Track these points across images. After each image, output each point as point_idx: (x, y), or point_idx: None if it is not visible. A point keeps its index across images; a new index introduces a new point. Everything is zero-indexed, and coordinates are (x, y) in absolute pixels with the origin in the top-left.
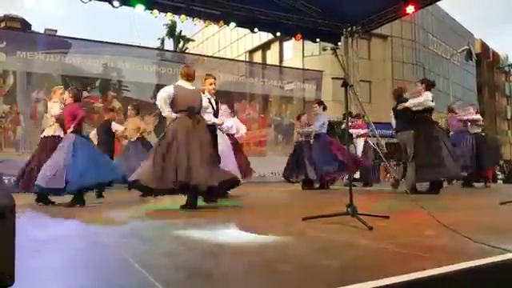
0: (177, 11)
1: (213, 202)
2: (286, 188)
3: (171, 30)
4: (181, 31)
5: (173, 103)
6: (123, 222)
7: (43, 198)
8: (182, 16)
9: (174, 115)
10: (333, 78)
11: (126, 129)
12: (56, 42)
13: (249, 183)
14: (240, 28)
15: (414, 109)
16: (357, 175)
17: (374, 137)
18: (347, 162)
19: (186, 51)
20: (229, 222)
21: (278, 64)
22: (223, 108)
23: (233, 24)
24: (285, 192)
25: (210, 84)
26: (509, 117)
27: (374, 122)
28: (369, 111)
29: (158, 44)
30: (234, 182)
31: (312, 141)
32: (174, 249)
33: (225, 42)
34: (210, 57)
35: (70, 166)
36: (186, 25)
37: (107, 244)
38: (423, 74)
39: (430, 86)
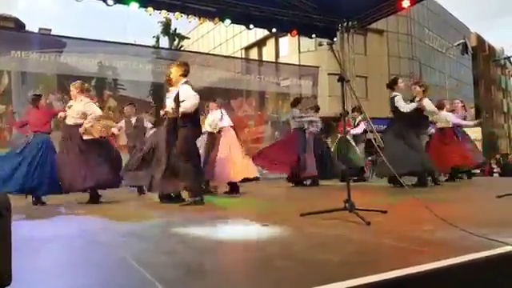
0: (171, 8)
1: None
2: (283, 184)
3: (166, 28)
4: (175, 29)
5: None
6: (122, 221)
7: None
8: (177, 13)
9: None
10: (329, 74)
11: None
12: (50, 41)
13: (247, 179)
14: (235, 25)
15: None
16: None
17: (371, 132)
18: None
19: (182, 49)
20: (226, 219)
21: (274, 60)
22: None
23: (228, 21)
24: (282, 188)
25: None
26: (505, 110)
27: (370, 117)
28: (365, 106)
29: (153, 42)
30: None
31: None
32: (172, 246)
33: (220, 39)
34: (206, 54)
35: None
36: (181, 22)
37: (106, 243)
38: (419, 69)
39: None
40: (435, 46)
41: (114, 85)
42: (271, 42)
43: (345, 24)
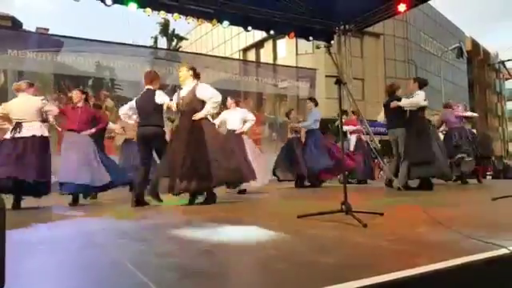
0: (170, 9)
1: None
2: (281, 186)
3: (164, 29)
4: (174, 29)
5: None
6: (117, 222)
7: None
8: (175, 14)
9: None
10: (326, 76)
11: (123, 127)
12: (48, 41)
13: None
14: (233, 26)
15: (406, 108)
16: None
17: (368, 134)
18: (342, 160)
19: (180, 49)
20: (223, 221)
21: (271, 62)
22: (228, 100)
23: (226, 22)
24: (279, 190)
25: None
26: (499, 113)
27: (367, 120)
28: (362, 109)
29: (151, 42)
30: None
31: (304, 136)
32: (168, 249)
33: (218, 40)
34: (204, 55)
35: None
36: (180, 23)
37: (101, 244)
38: (415, 72)
39: (422, 84)
40: (431, 50)
41: (111, 85)
42: (269, 44)
43: (342, 27)
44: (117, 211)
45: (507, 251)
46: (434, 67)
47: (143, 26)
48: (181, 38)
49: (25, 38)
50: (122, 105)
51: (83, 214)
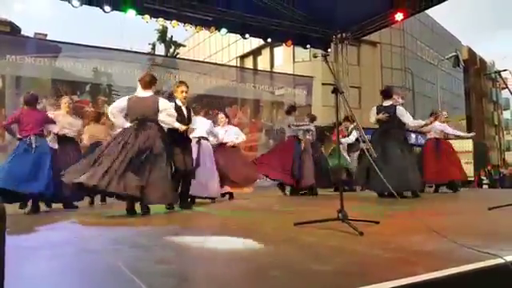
0: (168, 17)
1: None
2: (277, 193)
3: (162, 35)
4: (172, 36)
5: (127, 113)
6: (114, 228)
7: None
8: (174, 21)
9: (127, 124)
10: (323, 84)
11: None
12: (46, 46)
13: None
14: (231, 34)
15: (410, 124)
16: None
17: (364, 142)
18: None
19: (177, 56)
20: (219, 228)
21: (268, 69)
22: (219, 117)
23: (224, 30)
24: (275, 197)
25: (182, 92)
26: (496, 122)
27: (363, 128)
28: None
29: (149, 49)
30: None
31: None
32: (165, 255)
33: (216, 47)
34: (202, 62)
35: None
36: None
37: (98, 250)
38: (412, 80)
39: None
40: (428, 59)
41: (108, 91)
42: (266, 52)
43: (339, 35)
44: (113, 217)
45: (503, 261)
46: (431, 75)
47: (141, 32)
48: (178, 45)
49: (23, 43)
50: None
51: (79, 219)
